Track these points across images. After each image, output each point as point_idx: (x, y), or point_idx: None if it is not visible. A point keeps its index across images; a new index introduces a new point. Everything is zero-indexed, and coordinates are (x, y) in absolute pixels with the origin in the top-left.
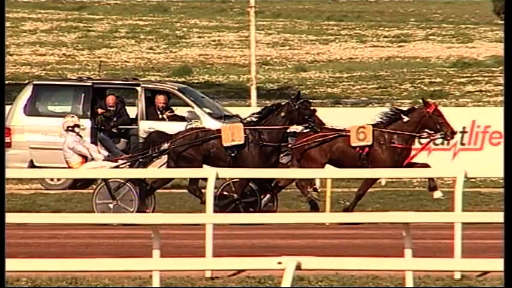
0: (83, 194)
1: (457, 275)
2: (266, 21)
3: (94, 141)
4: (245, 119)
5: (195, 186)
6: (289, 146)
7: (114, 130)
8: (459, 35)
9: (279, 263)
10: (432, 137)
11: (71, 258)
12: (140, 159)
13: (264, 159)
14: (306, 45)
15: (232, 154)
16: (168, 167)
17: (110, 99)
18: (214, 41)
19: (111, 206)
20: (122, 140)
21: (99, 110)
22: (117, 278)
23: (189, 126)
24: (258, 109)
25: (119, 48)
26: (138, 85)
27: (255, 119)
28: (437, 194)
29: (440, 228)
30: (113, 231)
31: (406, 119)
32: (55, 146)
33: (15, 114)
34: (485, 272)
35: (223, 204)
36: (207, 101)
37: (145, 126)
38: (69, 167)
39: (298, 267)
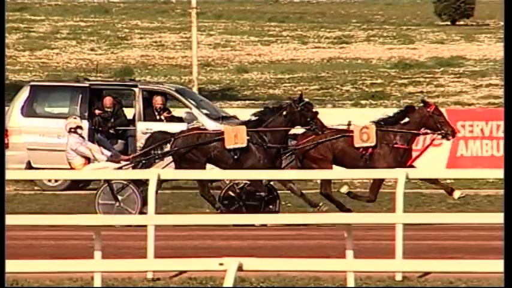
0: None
1: (399, 276)
2: (208, 22)
3: (91, 142)
4: (248, 121)
5: (207, 191)
6: (291, 147)
7: (111, 131)
8: (400, 36)
9: (221, 264)
10: (432, 137)
11: (11, 260)
12: (143, 160)
13: (267, 161)
14: (248, 47)
15: (235, 156)
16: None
17: (107, 100)
18: (155, 42)
19: (114, 207)
20: (119, 141)
21: (97, 111)
22: (59, 280)
23: (190, 127)
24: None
25: (60, 49)
26: (136, 86)
27: (255, 119)
28: (457, 194)
29: (382, 229)
30: (54, 232)
31: (406, 119)
32: (52, 147)
33: (13, 116)
34: (427, 273)
35: (226, 205)
36: (204, 102)
37: (142, 127)
38: (72, 169)
39: (239, 268)
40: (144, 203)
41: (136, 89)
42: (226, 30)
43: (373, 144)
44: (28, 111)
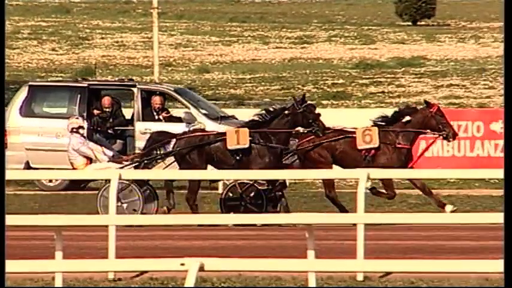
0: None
1: (360, 276)
2: (169, 23)
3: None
4: (250, 121)
5: (194, 199)
6: (294, 147)
7: (110, 131)
8: (362, 37)
9: (182, 264)
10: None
11: None
12: (145, 161)
13: (269, 162)
14: (209, 47)
15: (238, 157)
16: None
17: (106, 100)
18: (117, 42)
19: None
20: (117, 141)
21: (95, 111)
22: (20, 280)
23: (192, 128)
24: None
25: (21, 49)
26: (134, 86)
27: (258, 121)
28: (449, 208)
29: (343, 229)
30: (15, 232)
31: (407, 118)
32: (51, 147)
33: (11, 116)
34: (388, 273)
35: (229, 206)
36: (203, 102)
37: (141, 127)
38: (74, 169)
39: (201, 269)
40: (146, 202)
41: (134, 89)
42: (188, 30)
43: (376, 145)
44: (26, 111)
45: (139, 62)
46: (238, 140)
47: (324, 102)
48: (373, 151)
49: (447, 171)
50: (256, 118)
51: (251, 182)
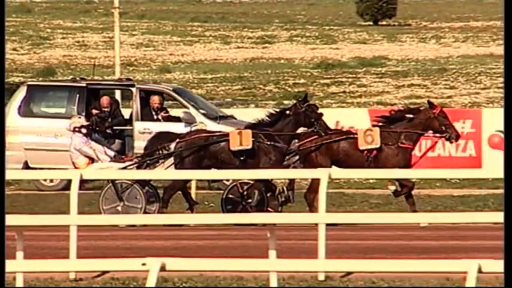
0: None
1: (321, 276)
2: (130, 22)
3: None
4: (254, 123)
5: (170, 196)
6: (295, 147)
7: (108, 131)
8: (323, 36)
9: (143, 264)
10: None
11: None
12: (148, 161)
13: (274, 162)
14: (171, 46)
15: (241, 158)
16: (176, 168)
17: (104, 100)
18: (78, 42)
19: (119, 207)
20: (116, 140)
21: (94, 111)
22: None
23: (193, 128)
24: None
25: None
26: (133, 86)
27: (262, 122)
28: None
29: (305, 229)
30: None
31: (410, 116)
32: (49, 147)
33: (10, 116)
34: (349, 273)
35: (230, 206)
36: (201, 101)
37: (140, 127)
38: (76, 168)
39: (162, 269)
40: (148, 202)
41: (133, 89)
42: (149, 30)
43: (377, 146)
44: (25, 111)
45: (101, 62)
46: (241, 141)
47: (286, 102)
48: (375, 151)
49: (410, 171)
50: (259, 119)
51: (251, 182)
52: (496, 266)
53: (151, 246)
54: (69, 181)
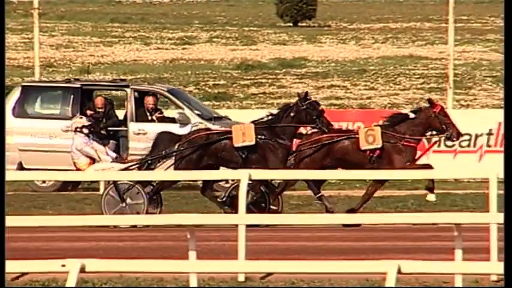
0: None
1: (241, 277)
2: (50, 23)
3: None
4: (259, 119)
5: (211, 192)
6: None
7: (103, 132)
8: (243, 38)
9: (63, 265)
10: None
11: None
12: (149, 161)
13: (276, 160)
14: (90, 47)
15: (243, 155)
16: (175, 168)
17: (99, 101)
18: None
19: (121, 208)
20: (111, 141)
21: (88, 112)
22: None
23: (193, 128)
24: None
25: None
26: (128, 86)
27: (265, 119)
28: (430, 197)
29: (225, 230)
30: None
31: (412, 115)
32: (44, 148)
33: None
34: (269, 274)
35: (232, 206)
36: (195, 102)
37: (134, 128)
38: (77, 169)
39: (82, 270)
40: (150, 202)
41: (128, 90)
42: (69, 31)
43: (379, 146)
44: (19, 112)
45: (20, 63)
46: (244, 136)
47: (206, 103)
48: (377, 151)
49: (330, 172)
50: (261, 119)
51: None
52: (415, 266)
53: (71, 247)
54: (64, 182)
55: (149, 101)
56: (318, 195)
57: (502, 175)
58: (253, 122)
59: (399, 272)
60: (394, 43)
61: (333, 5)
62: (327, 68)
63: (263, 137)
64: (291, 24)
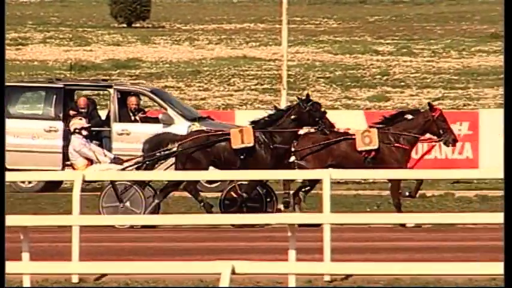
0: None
1: (75, 279)
2: None
3: (66, 144)
4: (257, 121)
5: (194, 188)
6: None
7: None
8: (76, 38)
9: None
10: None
11: None
12: (147, 162)
13: (275, 162)
14: None
15: (242, 157)
16: (176, 169)
17: (81, 101)
18: None
19: (119, 208)
20: (94, 141)
21: (71, 112)
22: None
23: (189, 130)
24: None
25: None
26: (110, 86)
27: (264, 120)
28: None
29: (58, 231)
30: None
31: (410, 116)
32: (27, 148)
33: None
34: (103, 275)
35: (228, 206)
36: (178, 103)
37: (118, 128)
38: (74, 170)
39: None
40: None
41: (111, 90)
42: None
43: (375, 147)
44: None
45: None
46: (242, 139)
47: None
48: (373, 152)
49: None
50: (261, 118)
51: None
52: (249, 267)
53: None
54: (47, 182)
55: (132, 101)
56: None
57: (335, 175)
58: (252, 122)
59: (233, 272)
60: (228, 44)
61: (167, 6)
62: (161, 69)
63: (261, 140)
64: (125, 25)
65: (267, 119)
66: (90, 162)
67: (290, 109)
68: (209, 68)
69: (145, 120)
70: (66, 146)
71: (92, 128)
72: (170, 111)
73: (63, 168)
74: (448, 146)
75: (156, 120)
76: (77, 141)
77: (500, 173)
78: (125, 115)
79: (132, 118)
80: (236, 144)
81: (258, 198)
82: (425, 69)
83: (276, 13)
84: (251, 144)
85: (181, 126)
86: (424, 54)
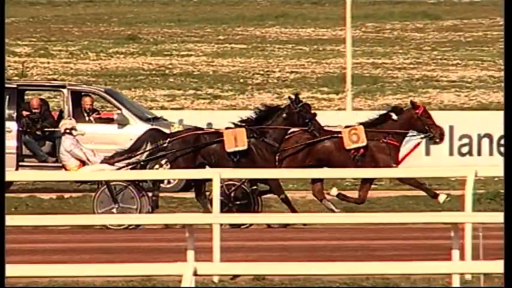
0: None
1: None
2: None
3: (19, 145)
4: (245, 120)
5: (203, 196)
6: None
7: (38, 133)
8: None
9: None
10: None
11: None
12: (141, 162)
13: (267, 162)
14: None
15: (235, 159)
16: (172, 167)
17: (34, 102)
18: None
19: (114, 210)
20: (47, 142)
21: (24, 113)
22: None
23: (176, 128)
24: None
25: None
26: (64, 87)
27: (254, 120)
28: (442, 198)
29: None
30: None
31: (394, 116)
32: None
33: None
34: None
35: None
36: (131, 103)
37: None
38: (66, 171)
39: None
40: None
41: (64, 90)
42: None
43: (364, 144)
44: None
45: None
46: (236, 141)
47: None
48: (362, 150)
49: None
50: (251, 116)
51: (239, 183)
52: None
53: None
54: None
55: (86, 101)
56: (282, 198)
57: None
58: (241, 121)
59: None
60: None
61: None
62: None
63: (252, 141)
64: None
65: (258, 118)
66: (82, 163)
67: (280, 110)
68: None
69: (99, 120)
70: (19, 147)
71: (45, 129)
72: (125, 112)
73: (17, 169)
74: (435, 142)
75: (110, 121)
76: (67, 141)
77: None
78: (78, 115)
79: (87, 118)
80: (230, 147)
81: (245, 197)
82: (63, 71)
83: None
84: (245, 147)
85: (136, 127)
86: (62, 56)
